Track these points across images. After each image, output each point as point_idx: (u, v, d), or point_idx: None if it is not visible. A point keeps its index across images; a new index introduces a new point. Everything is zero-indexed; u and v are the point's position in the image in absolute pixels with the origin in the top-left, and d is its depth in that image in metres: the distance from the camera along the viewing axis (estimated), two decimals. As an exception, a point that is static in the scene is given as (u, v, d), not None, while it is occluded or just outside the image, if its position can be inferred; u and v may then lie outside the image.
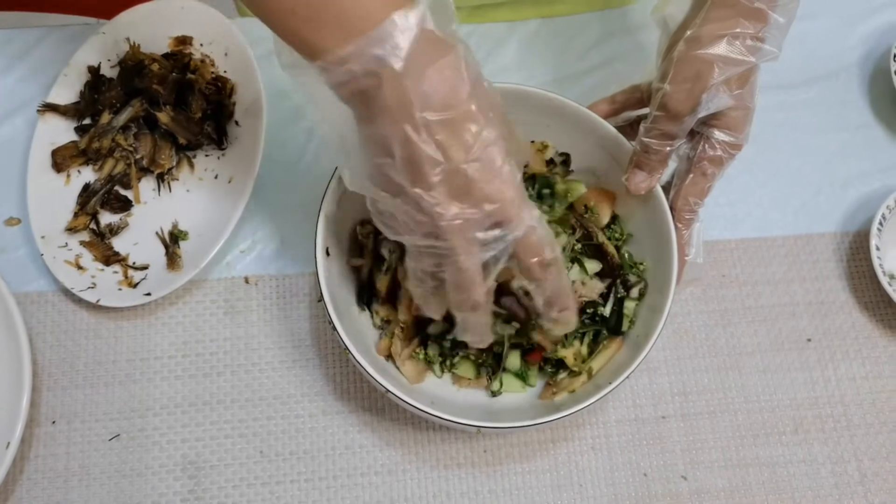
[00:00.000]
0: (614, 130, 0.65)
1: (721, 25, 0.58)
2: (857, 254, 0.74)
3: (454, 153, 0.47)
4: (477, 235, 0.50)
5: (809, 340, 0.71)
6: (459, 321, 0.56)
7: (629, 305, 0.64)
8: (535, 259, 0.52)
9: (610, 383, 0.59)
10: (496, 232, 0.50)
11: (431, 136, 0.47)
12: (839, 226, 0.75)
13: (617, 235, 0.67)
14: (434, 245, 0.50)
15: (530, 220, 0.51)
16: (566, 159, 0.69)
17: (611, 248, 0.65)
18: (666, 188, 0.64)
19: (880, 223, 0.71)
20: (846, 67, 0.81)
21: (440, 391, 0.65)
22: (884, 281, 0.69)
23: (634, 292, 0.64)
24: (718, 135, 0.61)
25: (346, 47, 0.46)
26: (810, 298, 0.72)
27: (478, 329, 0.56)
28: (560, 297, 0.55)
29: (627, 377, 0.59)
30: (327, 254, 0.62)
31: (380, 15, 0.45)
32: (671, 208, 0.63)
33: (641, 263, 0.66)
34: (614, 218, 0.68)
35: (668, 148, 0.61)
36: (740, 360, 0.70)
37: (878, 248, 0.70)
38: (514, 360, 0.64)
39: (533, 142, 0.69)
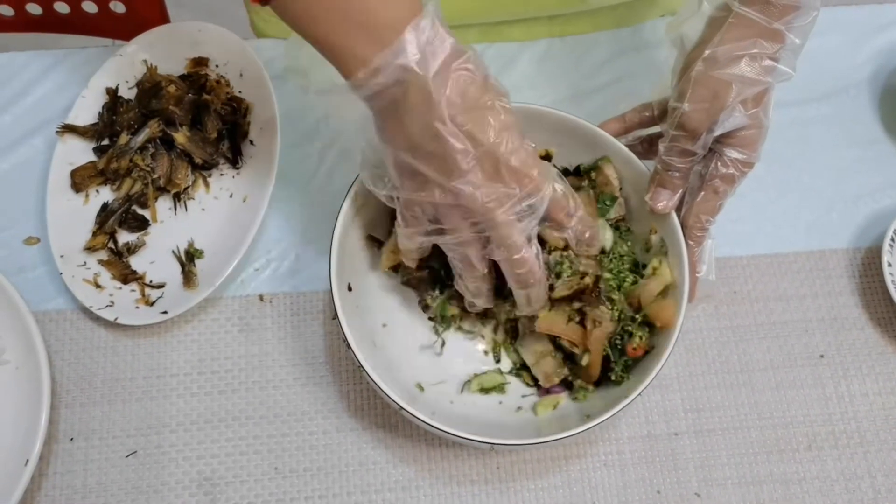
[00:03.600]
0: (626, 149, 0.66)
1: (739, 45, 0.59)
2: (870, 270, 0.74)
3: (482, 138, 0.53)
4: (514, 209, 0.55)
5: (822, 357, 0.71)
6: (522, 297, 0.60)
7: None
8: (563, 212, 0.58)
9: (623, 399, 0.59)
10: (531, 201, 0.55)
11: (459, 128, 0.52)
12: (851, 242, 0.75)
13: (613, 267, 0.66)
14: (480, 228, 0.55)
15: (553, 183, 0.57)
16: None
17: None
18: (677, 206, 0.64)
19: (892, 239, 0.71)
20: (856, 84, 0.81)
21: (454, 408, 0.65)
22: (896, 297, 0.69)
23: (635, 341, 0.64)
24: (731, 153, 0.62)
25: (374, 60, 0.50)
26: (823, 315, 0.72)
27: (540, 300, 0.61)
28: (585, 226, 0.60)
29: (640, 394, 0.59)
30: (343, 278, 0.63)
31: (400, 23, 0.50)
32: (682, 226, 0.63)
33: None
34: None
35: (689, 165, 0.62)
36: (753, 377, 0.70)
37: (890, 265, 0.70)
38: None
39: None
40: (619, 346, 0.63)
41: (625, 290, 0.64)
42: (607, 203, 0.67)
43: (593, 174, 0.68)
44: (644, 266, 0.66)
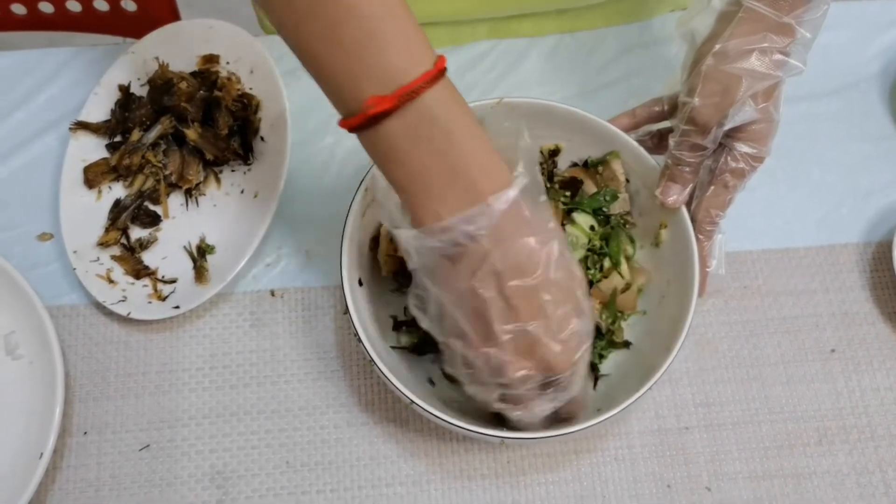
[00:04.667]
0: (636, 144, 0.66)
1: (749, 40, 0.59)
2: (881, 264, 0.73)
3: (525, 316, 0.52)
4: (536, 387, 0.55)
5: (833, 351, 0.71)
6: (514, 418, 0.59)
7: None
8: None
9: (634, 393, 0.59)
10: (554, 392, 0.55)
11: (508, 300, 0.51)
12: (862, 237, 0.75)
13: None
14: (503, 387, 0.55)
15: (579, 383, 0.56)
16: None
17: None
18: (687, 201, 0.64)
19: (903, 234, 0.71)
20: (866, 79, 0.81)
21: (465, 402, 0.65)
22: (907, 291, 0.69)
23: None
24: (741, 147, 0.62)
25: (447, 219, 0.49)
26: (833, 309, 0.72)
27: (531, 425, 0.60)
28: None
29: (650, 388, 0.59)
30: (355, 273, 0.63)
31: (487, 190, 0.49)
32: (692, 220, 0.64)
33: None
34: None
35: (699, 160, 0.62)
36: (763, 371, 0.70)
37: (901, 259, 0.70)
38: None
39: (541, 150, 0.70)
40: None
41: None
42: (607, 199, 0.67)
43: (600, 168, 0.68)
44: None
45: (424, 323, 0.56)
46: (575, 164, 0.69)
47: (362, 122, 0.49)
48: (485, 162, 0.50)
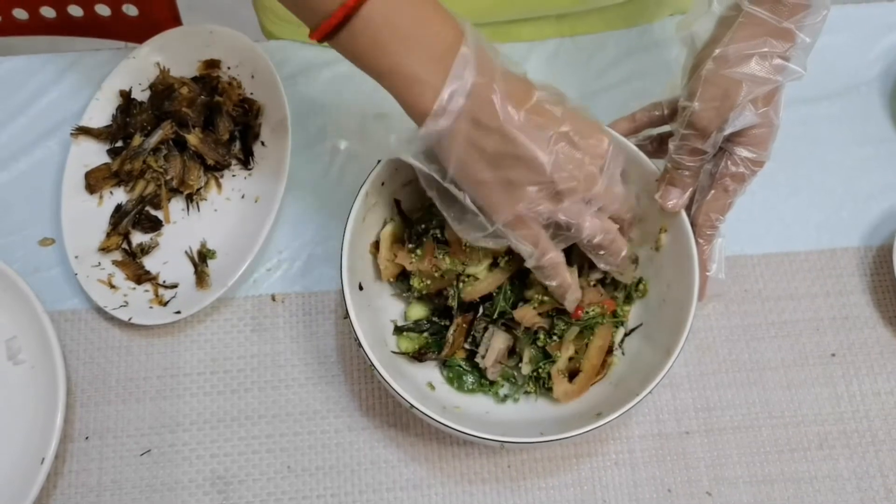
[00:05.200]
0: (636, 149, 0.66)
1: (749, 45, 0.59)
2: (881, 268, 0.73)
3: (552, 125, 0.55)
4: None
5: (833, 355, 0.71)
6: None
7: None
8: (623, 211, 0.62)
9: (634, 397, 0.59)
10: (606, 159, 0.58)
11: (529, 124, 0.54)
12: (862, 240, 0.75)
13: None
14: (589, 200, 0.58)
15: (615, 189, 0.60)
16: None
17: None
18: (687, 205, 0.64)
19: (904, 237, 0.71)
20: (867, 82, 0.81)
21: (465, 406, 0.65)
22: (908, 295, 0.69)
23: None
24: (741, 151, 0.62)
25: (445, 88, 0.53)
26: (834, 313, 0.72)
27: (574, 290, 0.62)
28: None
29: (651, 392, 0.59)
30: (354, 278, 0.63)
31: (453, 48, 0.53)
32: (692, 224, 0.64)
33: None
34: None
35: (699, 164, 0.62)
36: (764, 376, 0.70)
37: (901, 263, 0.70)
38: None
39: None
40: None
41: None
42: None
43: None
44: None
45: (486, 231, 0.58)
46: None
47: (340, 18, 0.53)
48: (447, 27, 0.54)
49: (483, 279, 0.64)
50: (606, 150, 0.57)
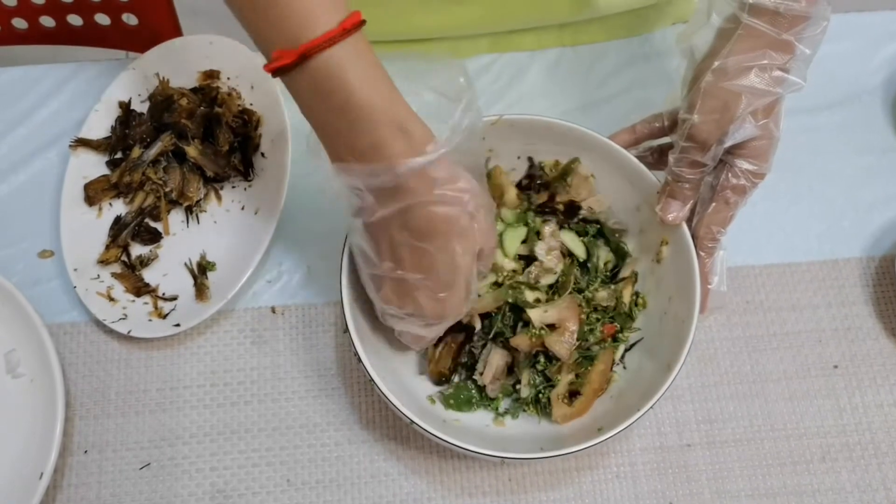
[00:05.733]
0: (636, 161, 0.66)
1: (748, 57, 0.59)
2: (884, 279, 0.73)
3: (409, 268, 0.57)
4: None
5: (836, 367, 0.71)
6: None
7: None
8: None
9: (636, 411, 0.59)
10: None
11: (402, 249, 0.56)
12: (864, 251, 0.74)
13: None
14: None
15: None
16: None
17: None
18: (688, 217, 0.64)
19: (906, 248, 0.71)
20: (869, 91, 0.80)
21: (465, 421, 0.65)
22: (911, 307, 0.68)
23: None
24: (742, 164, 0.62)
25: (353, 164, 0.54)
26: (836, 325, 0.72)
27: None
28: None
29: (652, 406, 0.59)
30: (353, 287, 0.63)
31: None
32: (693, 237, 0.63)
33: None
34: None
35: (699, 177, 0.62)
36: (766, 388, 0.70)
37: (904, 274, 0.70)
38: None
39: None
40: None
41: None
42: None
43: (568, 178, 0.68)
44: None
45: (365, 272, 0.60)
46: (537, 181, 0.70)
47: (271, 71, 0.53)
48: (397, 120, 0.53)
49: (483, 297, 0.64)
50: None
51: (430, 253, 0.56)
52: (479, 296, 0.64)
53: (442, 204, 0.54)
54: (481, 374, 0.64)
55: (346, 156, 0.54)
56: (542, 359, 0.63)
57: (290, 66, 0.52)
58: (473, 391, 0.65)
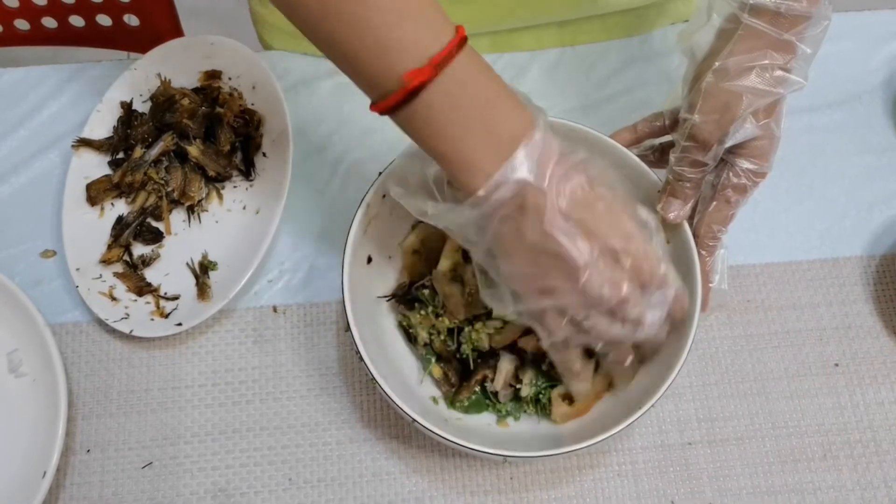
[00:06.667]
0: (638, 160, 0.66)
1: (749, 57, 0.59)
2: (885, 277, 0.73)
3: (602, 235, 0.53)
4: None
5: (837, 365, 0.71)
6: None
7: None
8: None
9: (637, 410, 0.59)
10: (658, 292, 0.56)
11: (576, 232, 0.53)
12: (865, 249, 0.74)
13: None
14: (612, 314, 0.55)
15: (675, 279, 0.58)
16: None
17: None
18: (689, 216, 0.64)
19: (907, 247, 0.71)
20: (870, 90, 0.80)
21: (467, 420, 0.65)
22: (911, 305, 0.68)
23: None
24: (743, 163, 0.62)
25: (496, 175, 0.51)
26: (837, 323, 0.72)
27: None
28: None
29: (654, 404, 0.59)
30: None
31: (517, 139, 0.51)
32: (694, 235, 0.63)
33: None
34: None
35: (700, 176, 0.62)
36: (767, 386, 0.70)
37: (904, 273, 0.70)
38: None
39: None
40: None
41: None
42: None
43: None
44: None
45: (509, 309, 0.57)
46: None
47: (401, 98, 0.51)
48: (514, 115, 0.53)
49: (508, 327, 0.64)
50: (663, 285, 0.56)
51: (605, 213, 0.54)
52: (501, 327, 0.64)
53: (576, 169, 0.54)
54: (492, 380, 0.64)
55: (484, 165, 0.51)
56: (547, 359, 0.63)
57: (428, 81, 0.50)
58: (482, 395, 0.65)
